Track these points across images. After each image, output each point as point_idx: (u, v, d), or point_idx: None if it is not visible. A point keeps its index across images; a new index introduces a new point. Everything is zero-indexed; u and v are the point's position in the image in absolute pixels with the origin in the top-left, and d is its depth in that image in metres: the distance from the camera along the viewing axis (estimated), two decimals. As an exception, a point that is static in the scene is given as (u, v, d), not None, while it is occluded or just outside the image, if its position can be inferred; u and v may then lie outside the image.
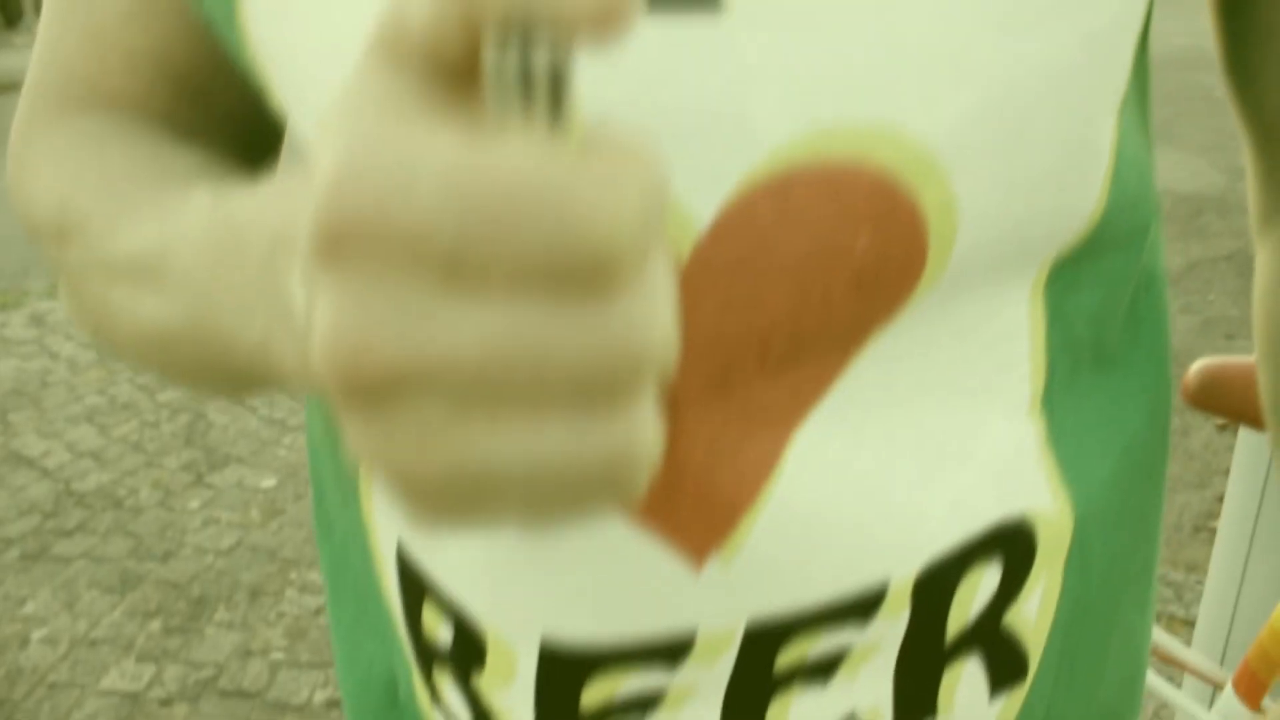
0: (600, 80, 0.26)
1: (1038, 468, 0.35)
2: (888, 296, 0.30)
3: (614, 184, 0.15)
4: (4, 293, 3.87)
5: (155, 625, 1.96)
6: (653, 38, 0.26)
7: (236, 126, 0.41)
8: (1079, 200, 0.32)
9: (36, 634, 1.94)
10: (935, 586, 0.34)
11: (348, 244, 0.15)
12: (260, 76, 0.32)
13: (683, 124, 0.27)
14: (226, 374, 0.29)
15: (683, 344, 0.29)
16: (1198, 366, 0.74)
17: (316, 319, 0.16)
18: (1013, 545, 0.35)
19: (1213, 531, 1.67)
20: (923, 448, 0.33)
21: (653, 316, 0.16)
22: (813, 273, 0.28)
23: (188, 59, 0.38)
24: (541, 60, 0.16)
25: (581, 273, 0.15)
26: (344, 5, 0.28)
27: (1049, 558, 0.36)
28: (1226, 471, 1.25)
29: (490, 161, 0.15)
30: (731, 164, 0.27)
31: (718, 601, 0.32)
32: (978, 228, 0.30)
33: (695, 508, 0.31)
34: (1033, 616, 0.37)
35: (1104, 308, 0.36)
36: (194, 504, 2.38)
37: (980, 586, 0.35)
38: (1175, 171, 4.71)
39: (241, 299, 0.25)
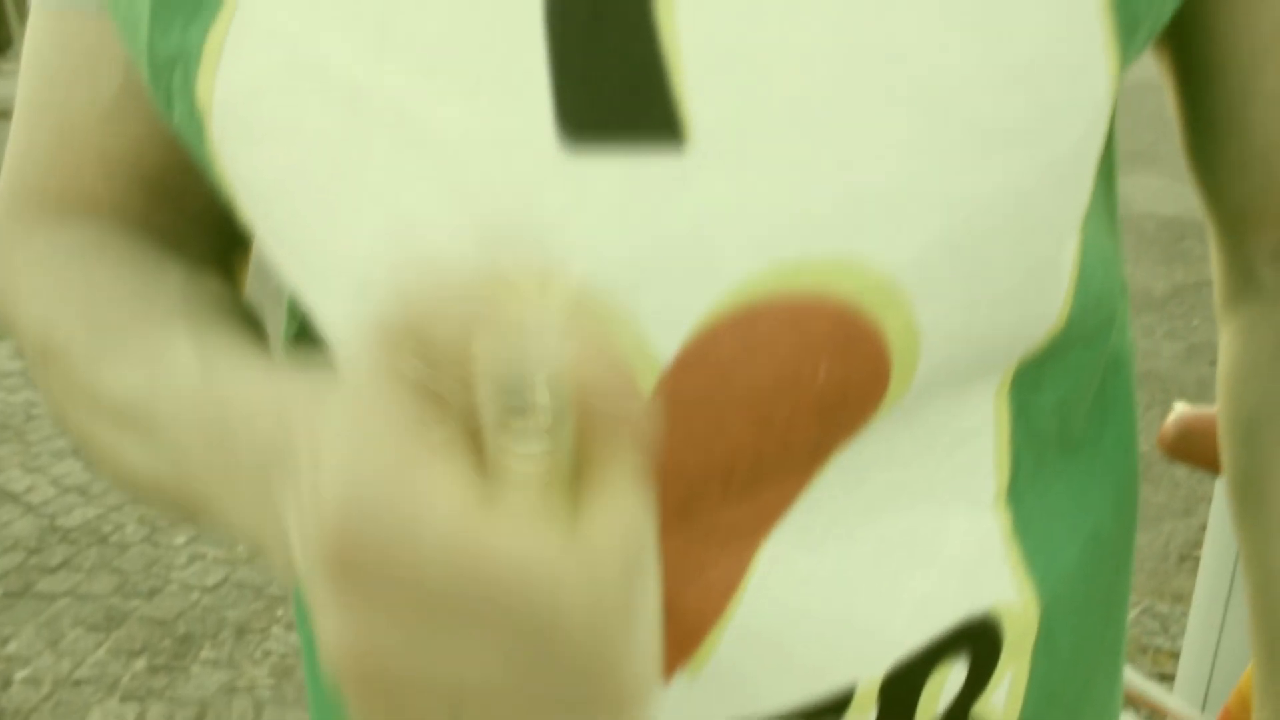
0: (565, 217, 0.27)
1: (1003, 561, 0.36)
2: (850, 419, 0.30)
3: (596, 568, 0.17)
4: (-10, 323, 3.86)
5: (140, 664, 1.95)
6: (615, 175, 0.27)
7: (211, 223, 0.41)
8: (1042, 312, 0.32)
9: (19, 674, 1.93)
10: (902, 686, 0.34)
11: (353, 574, 0.17)
12: (229, 194, 0.33)
13: (646, 261, 0.27)
14: (213, 528, 0.30)
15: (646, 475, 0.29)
16: (1174, 417, 0.75)
17: (327, 625, 0.18)
18: (979, 640, 0.35)
19: (1199, 560, 1.68)
20: (887, 551, 0.33)
21: (634, 663, 0.18)
22: (775, 402, 0.29)
23: (161, 162, 0.39)
24: (534, 371, 0.17)
25: (566, 640, 0.17)
26: (308, 137, 0.29)
27: (1015, 649, 0.37)
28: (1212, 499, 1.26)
29: (485, 536, 0.17)
30: (695, 300, 0.27)
31: (685, 712, 0.33)
32: (941, 349, 0.30)
33: (661, 627, 0.31)
34: (1001, 705, 0.37)
35: (1070, 399, 0.37)
36: (180, 540, 2.36)
37: (947, 681, 0.35)
38: (1157, 196, 4.75)
39: (232, 490, 0.26)
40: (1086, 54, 0.28)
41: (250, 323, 0.37)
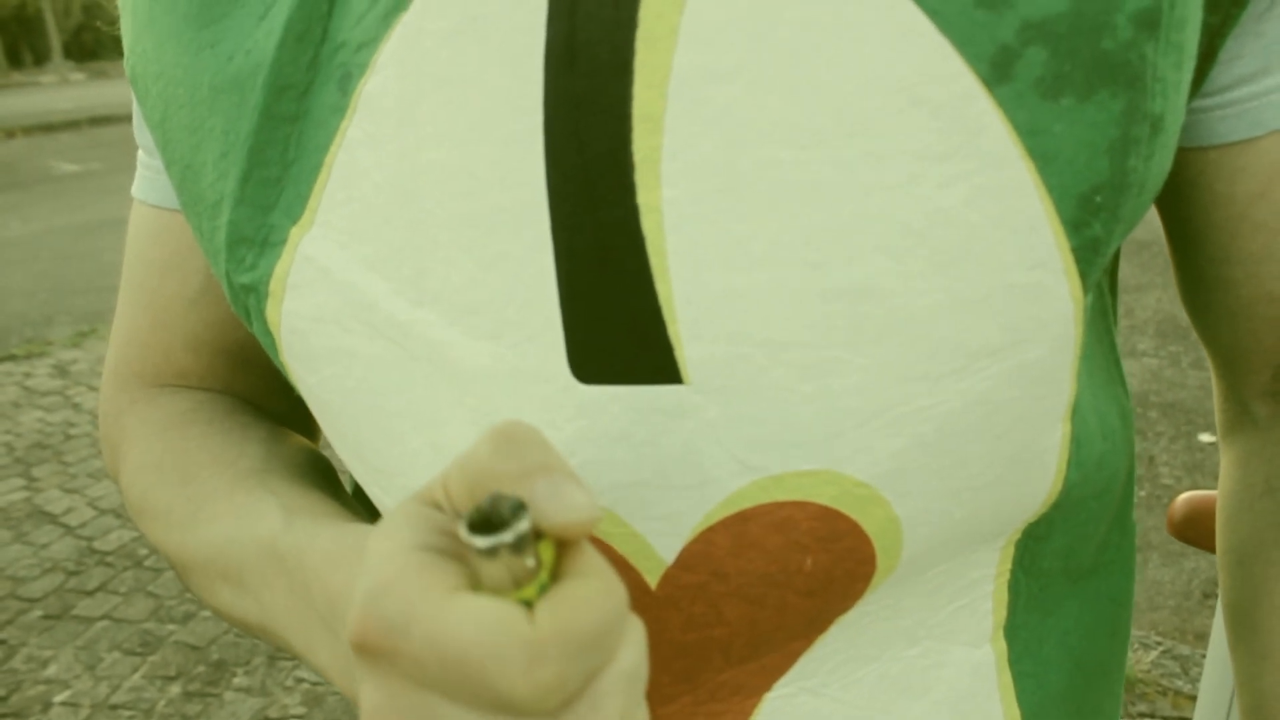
0: (577, 443, 0.30)
1: (993, 691, 0.38)
2: (840, 597, 0.33)
3: (542, 656, 0.22)
4: (28, 343, 3.94)
5: (175, 689, 2.00)
6: (620, 407, 0.30)
7: (286, 385, 0.46)
8: (1030, 493, 0.34)
9: (59, 697, 1.98)
10: None
11: (371, 654, 0.23)
12: (299, 393, 0.38)
13: (648, 479, 0.31)
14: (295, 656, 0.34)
15: (653, 652, 0.33)
16: (1182, 500, 0.76)
17: (362, 696, 0.24)
18: None
19: (1220, 603, 1.67)
20: (885, 688, 0.36)
21: None
22: (767, 590, 0.32)
23: (240, 339, 0.44)
24: (508, 518, 0.23)
25: (515, 704, 0.22)
26: (360, 365, 0.33)
27: None
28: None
29: (452, 627, 0.22)
30: (692, 510, 0.31)
31: None
32: (924, 536, 0.33)
33: None
34: None
35: (1076, 542, 0.39)
36: (213, 563, 2.41)
37: None
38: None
39: (308, 630, 0.32)
40: (1045, 281, 0.30)
41: (322, 471, 0.42)
